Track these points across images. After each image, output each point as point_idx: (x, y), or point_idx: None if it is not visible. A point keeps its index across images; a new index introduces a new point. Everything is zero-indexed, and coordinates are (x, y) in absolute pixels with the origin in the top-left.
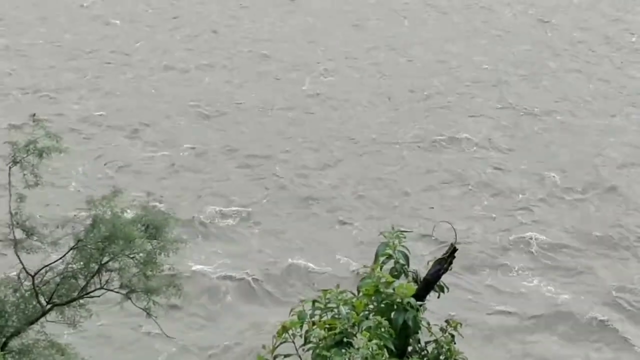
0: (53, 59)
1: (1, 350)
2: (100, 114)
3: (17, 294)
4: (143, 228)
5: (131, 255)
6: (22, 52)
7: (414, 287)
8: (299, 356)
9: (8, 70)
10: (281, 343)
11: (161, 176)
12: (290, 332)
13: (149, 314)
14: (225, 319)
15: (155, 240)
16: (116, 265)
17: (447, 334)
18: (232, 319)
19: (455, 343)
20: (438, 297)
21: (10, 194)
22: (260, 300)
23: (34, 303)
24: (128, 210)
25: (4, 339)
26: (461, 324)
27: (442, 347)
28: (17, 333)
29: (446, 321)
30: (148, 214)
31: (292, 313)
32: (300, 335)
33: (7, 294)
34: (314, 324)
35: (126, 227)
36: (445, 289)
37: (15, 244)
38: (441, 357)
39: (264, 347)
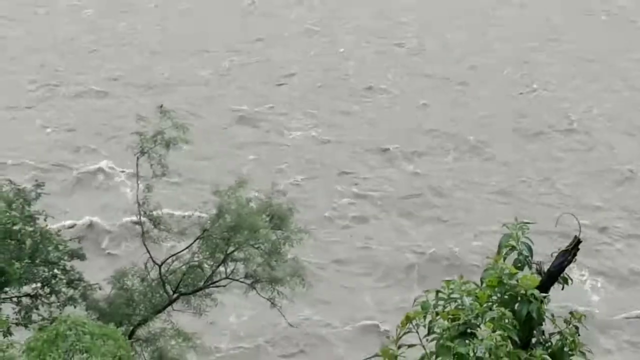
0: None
1: (129, 339)
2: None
3: (145, 283)
4: (268, 218)
5: (256, 245)
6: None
7: (537, 278)
8: (423, 346)
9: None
10: (405, 333)
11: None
12: (414, 322)
13: (273, 304)
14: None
15: (279, 231)
16: (241, 255)
17: (571, 325)
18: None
19: (579, 335)
20: (562, 289)
21: (137, 184)
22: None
23: (161, 292)
24: (252, 201)
25: (131, 328)
26: (585, 316)
27: (566, 339)
28: (144, 322)
29: (570, 313)
30: (273, 205)
31: (415, 303)
32: (424, 326)
33: (134, 283)
34: (437, 314)
35: (251, 217)
36: (569, 281)
37: (143, 233)
38: (565, 349)
39: (387, 337)
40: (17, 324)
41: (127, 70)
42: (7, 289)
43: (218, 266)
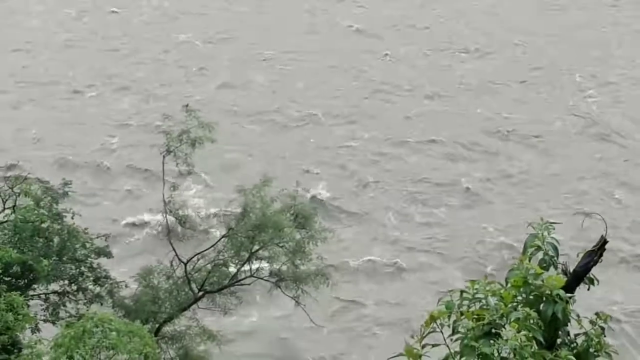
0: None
1: (154, 336)
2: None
3: (170, 281)
4: (292, 217)
5: (280, 244)
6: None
7: (563, 279)
8: (447, 346)
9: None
10: (429, 332)
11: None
12: (438, 321)
13: (297, 302)
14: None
15: (304, 230)
16: (266, 254)
17: (596, 326)
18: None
19: (605, 336)
20: (588, 289)
21: (163, 182)
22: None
23: (186, 290)
24: (277, 200)
25: (157, 325)
26: (611, 317)
27: (591, 339)
28: (170, 319)
29: (596, 314)
30: (297, 204)
31: (440, 303)
32: (448, 325)
33: (160, 280)
34: (462, 314)
35: (276, 216)
36: (595, 282)
37: (168, 231)
38: (591, 350)
39: (412, 336)
40: (44, 321)
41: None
42: (35, 286)
43: (243, 264)
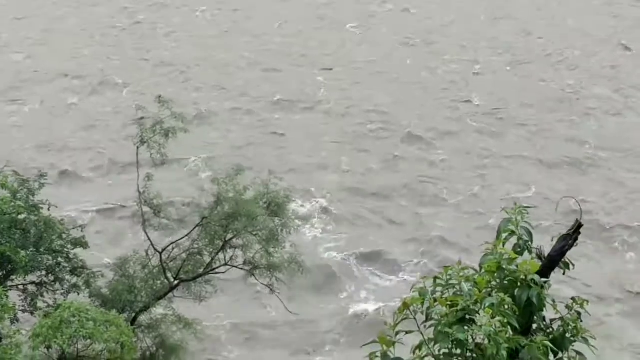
0: None
1: (131, 325)
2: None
3: (146, 271)
4: (265, 205)
5: (254, 233)
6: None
7: (538, 263)
8: (421, 333)
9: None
10: (402, 319)
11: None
12: (412, 308)
13: (272, 290)
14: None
15: (277, 218)
16: (240, 242)
17: (573, 311)
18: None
19: (581, 321)
20: (563, 273)
21: (138, 173)
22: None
23: (162, 279)
24: (250, 188)
25: (133, 314)
26: (587, 302)
27: (568, 324)
28: (146, 308)
29: (572, 298)
30: (270, 192)
31: (413, 290)
32: (422, 312)
33: (136, 270)
34: (435, 300)
35: (249, 205)
36: (571, 266)
37: (144, 221)
38: (567, 335)
39: (385, 323)
40: (23, 311)
41: None
42: (13, 277)
43: (217, 253)
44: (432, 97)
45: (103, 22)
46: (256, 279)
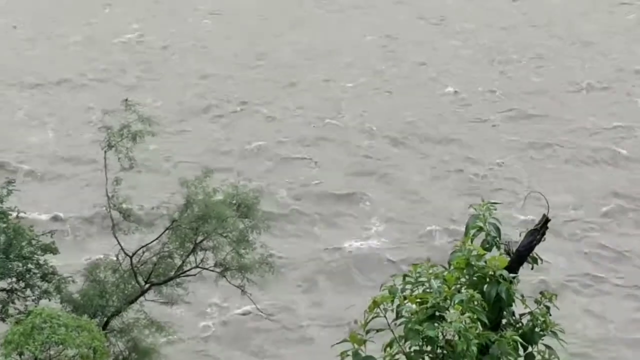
0: None
1: (103, 330)
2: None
3: (117, 275)
4: (235, 207)
5: (224, 234)
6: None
7: (506, 259)
8: (392, 330)
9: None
10: (373, 318)
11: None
12: (382, 306)
13: (243, 291)
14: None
15: (247, 219)
16: (210, 244)
17: (541, 306)
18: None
19: (550, 315)
20: (532, 268)
21: (106, 177)
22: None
23: (133, 283)
24: (219, 190)
25: (105, 319)
26: (556, 296)
27: (537, 319)
28: (117, 313)
29: (541, 293)
30: (239, 193)
31: (382, 288)
32: (392, 310)
33: (106, 275)
34: (405, 298)
35: (218, 207)
36: (539, 261)
37: (113, 226)
38: (537, 330)
39: (355, 321)
40: None
41: None
42: None
43: (187, 255)
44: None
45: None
46: (227, 280)
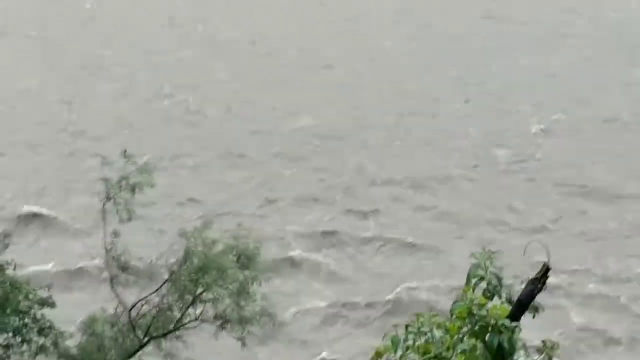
0: None
1: None
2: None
3: (115, 328)
4: (235, 258)
5: (224, 286)
6: None
7: (507, 308)
8: None
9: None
10: None
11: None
12: (385, 357)
13: (243, 344)
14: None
15: (247, 270)
16: (210, 296)
17: (544, 355)
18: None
19: None
20: (533, 317)
21: (104, 230)
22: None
23: (131, 336)
24: (219, 241)
25: None
26: (559, 344)
27: None
28: None
29: (543, 341)
30: (239, 244)
31: (385, 338)
32: None
33: (104, 328)
34: (407, 348)
35: (218, 258)
36: (540, 309)
37: (111, 279)
38: None
39: None
40: None
41: None
42: None
43: (187, 308)
44: None
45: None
46: (227, 333)
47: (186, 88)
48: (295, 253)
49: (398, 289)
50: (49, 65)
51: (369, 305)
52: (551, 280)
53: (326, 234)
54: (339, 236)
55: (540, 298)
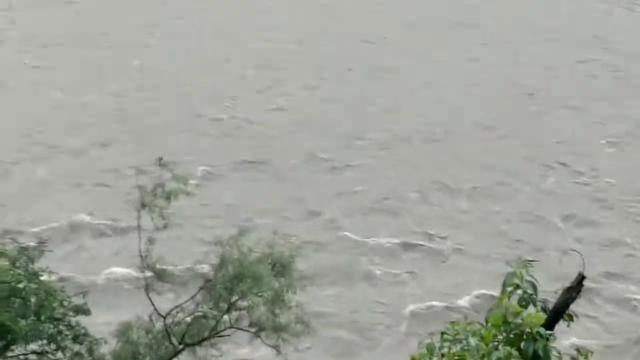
0: None
1: None
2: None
3: (150, 336)
4: (270, 266)
5: (259, 294)
6: None
7: (542, 316)
8: None
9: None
10: None
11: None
12: None
13: (278, 352)
14: None
15: (282, 278)
16: (245, 303)
17: None
18: None
19: None
20: (567, 326)
21: (139, 237)
22: None
23: (166, 344)
24: (255, 249)
25: None
26: (592, 352)
27: None
28: None
29: (577, 349)
30: (275, 252)
31: (420, 345)
32: None
33: (139, 335)
34: (443, 355)
35: (253, 266)
36: (575, 318)
37: (147, 286)
38: None
39: None
40: None
41: None
42: (13, 347)
43: (222, 315)
44: None
45: None
46: (262, 340)
47: None
48: None
49: None
50: None
51: None
52: None
53: None
54: None
55: None
